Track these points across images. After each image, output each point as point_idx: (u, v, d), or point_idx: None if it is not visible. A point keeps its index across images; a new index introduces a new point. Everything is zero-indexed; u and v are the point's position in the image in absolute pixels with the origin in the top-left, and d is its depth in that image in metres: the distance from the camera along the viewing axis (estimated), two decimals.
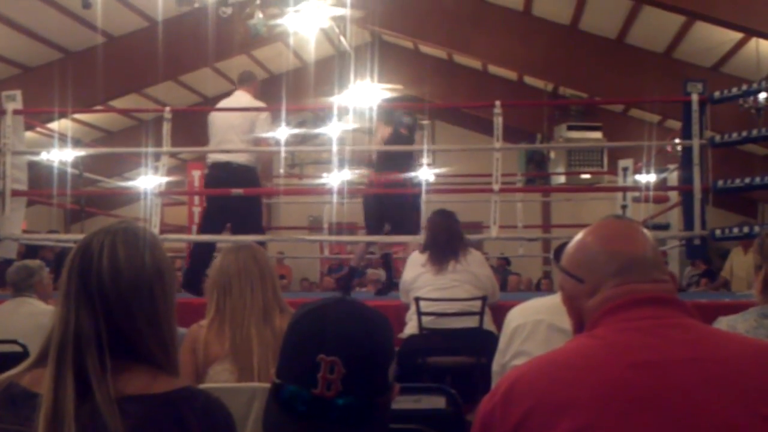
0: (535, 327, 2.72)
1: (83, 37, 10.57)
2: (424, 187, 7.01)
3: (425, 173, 7.71)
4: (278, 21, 8.28)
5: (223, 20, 8.35)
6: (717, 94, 6.15)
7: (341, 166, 7.93)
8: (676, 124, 9.92)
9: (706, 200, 5.91)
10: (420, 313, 4.40)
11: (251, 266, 2.77)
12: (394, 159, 6.73)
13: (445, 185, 11.45)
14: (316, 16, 8.36)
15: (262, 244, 6.07)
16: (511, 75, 13.38)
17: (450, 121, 15.28)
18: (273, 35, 9.59)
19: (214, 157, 6.12)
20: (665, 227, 8.47)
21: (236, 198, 5.88)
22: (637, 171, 8.86)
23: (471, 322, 4.39)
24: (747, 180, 5.94)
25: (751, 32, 8.89)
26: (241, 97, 6.28)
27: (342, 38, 11.58)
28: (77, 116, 12.36)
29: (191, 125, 8.31)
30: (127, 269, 1.41)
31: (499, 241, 6.76)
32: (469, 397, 3.15)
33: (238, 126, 5.97)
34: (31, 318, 4.19)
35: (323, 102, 12.03)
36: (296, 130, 12.10)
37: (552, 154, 13.13)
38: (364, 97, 11.16)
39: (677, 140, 6.70)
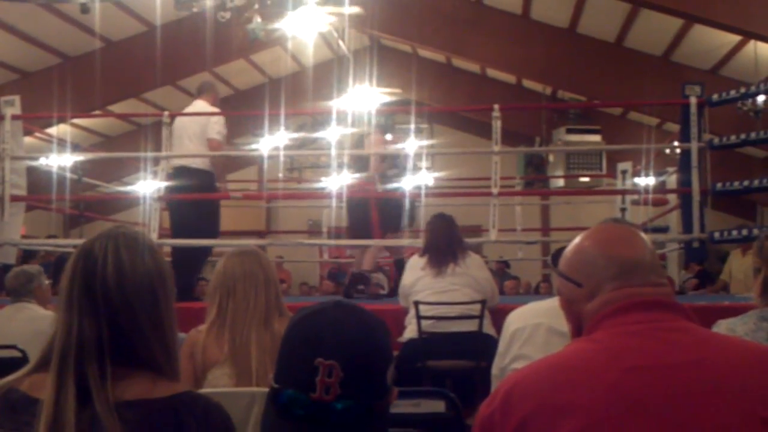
0: (534, 330, 2.73)
1: (82, 42, 10.56)
2: (423, 191, 7.02)
3: (424, 177, 7.71)
4: (277, 25, 8.26)
5: (222, 25, 8.34)
6: (715, 96, 6.16)
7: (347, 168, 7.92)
8: (674, 127, 9.91)
9: (704, 203, 5.91)
10: (419, 317, 4.40)
11: (257, 270, 2.78)
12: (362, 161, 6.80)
13: (444, 189, 11.46)
14: (315, 20, 8.36)
15: (209, 248, 6.25)
16: (509, 78, 13.37)
17: (449, 125, 15.28)
18: (271, 39, 9.58)
19: (174, 162, 6.26)
20: (664, 230, 8.46)
21: (191, 202, 6.08)
22: (636, 174, 8.86)
23: (470, 326, 4.39)
24: (746, 183, 5.95)
25: (749, 35, 8.89)
26: (198, 105, 6.43)
27: (340, 42, 11.58)
28: (76, 121, 12.35)
29: None
30: (131, 274, 1.41)
31: (498, 244, 6.76)
32: (468, 401, 3.15)
33: (192, 133, 6.15)
34: (30, 323, 4.19)
35: (322, 106, 12.03)
36: (295, 134, 12.11)
37: (551, 158, 13.12)
38: (362, 101, 11.16)
39: (676, 143, 6.70)
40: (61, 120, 10.44)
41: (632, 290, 1.38)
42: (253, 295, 2.73)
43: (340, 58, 12.46)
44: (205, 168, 6.15)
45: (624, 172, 8.97)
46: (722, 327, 2.35)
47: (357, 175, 6.70)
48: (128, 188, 11.75)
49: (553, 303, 2.50)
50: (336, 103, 11.37)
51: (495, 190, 6.02)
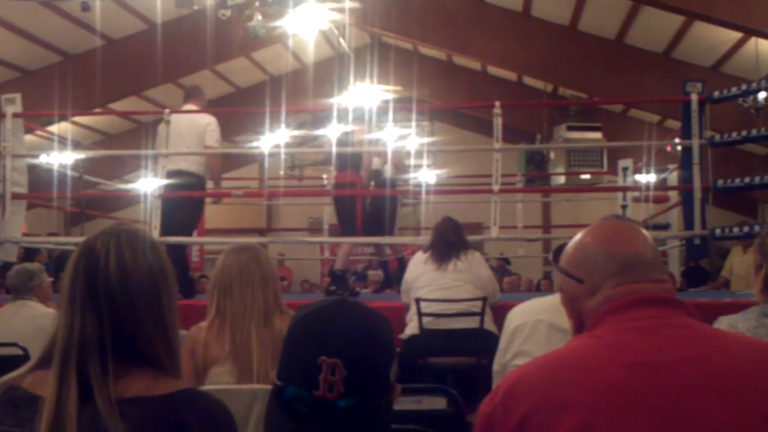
0: (535, 327, 2.73)
1: (82, 40, 10.56)
2: (424, 188, 7.04)
3: (424, 174, 7.73)
4: (277, 23, 8.26)
5: (222, 22, 8.34)
6: (716, 93, 6.15)
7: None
8: (675, 124, 9.93)
9: (705, 200, 5.91)
10: (421, 314, 4.41)
11: (253, 268, 2.77)
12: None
13: (446, 186, 11.46)
14: (316, 17, 8.35)
15: (185, 245, 6.43)
16: (510, 76, 13.37)
17: (449, 122, 15.27)
18: (272, 37, 9.58)
19: (170, 167, 6.28)
20: (665, 227, 8.46)
21: (179, 201, 6.20)
22: (637, 171, 8.85)
23: (472, 323, 4.39)
24: (747, 179, 5.94)
25: (750, 32, 8.88)
26: (192, 110, 6.49)
27: (341, 40, 11.58)
28: (77, 119, 12.36)
29: None
30: (134, 271, 1.42)
31: (499, 241, 6.76)
32: (470, 397, 3.15)
33: (188, 137, 6.23)
34: (32, 321, 4.20)
35: (323, 104, 12.03)
36: (296, 132, 12.10)
37: (552, 155, 13.12)
38: (363, 98, 11.15)
39: (677, 140, 6.70)
40: (62, 118, 10.46)
41: (633, 287, 1.38)
42: (249, 294, 2.72)
43: (341, 56, 12.45)
44: (198, 172, 6.27)
45: (625, 169, 8.96)
46: (723, 323, 2.35)
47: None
48: (129, 186, 11.75)
49: (554, 299, 2.50)
50: (337, 101, 11.35)
51: (496, 188, 6.02)
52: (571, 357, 1.33)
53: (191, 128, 6.25)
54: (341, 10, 8.30)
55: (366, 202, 6.91)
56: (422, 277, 4.62)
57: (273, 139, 10.15)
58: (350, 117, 6.93)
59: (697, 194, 5.81)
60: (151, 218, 6.22)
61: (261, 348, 2.62)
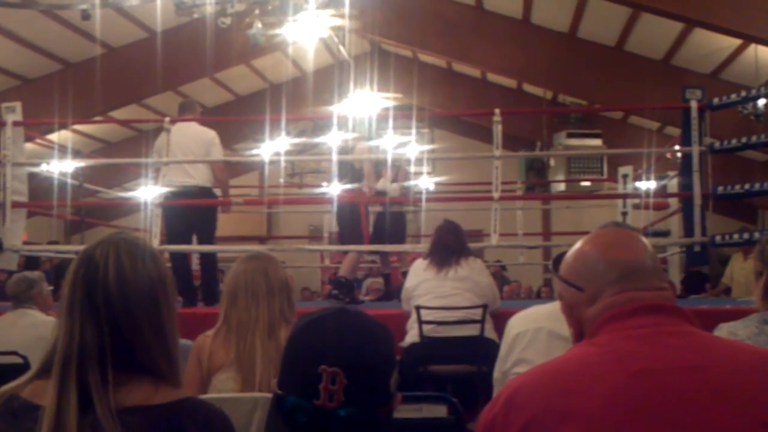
0: (535, 334, 2.73)
1: (82, 49, 10.58)
2: (424, 196, 7.06)
3: (424, 182, 7.76)
4: (277, 31, 8.27)
5: (222, 30, 8.36)
6: (716, 100, 6.16)
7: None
8: (675, 131, 9.92)
9: (706, 207, 5.91)
10: (421, 322, 4.40)
11: (259, 280, 2.76)
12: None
13: (446, 193, 11.46)
14: (315, 25, 8.36)
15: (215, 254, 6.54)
16: (510, 83, 13.38)
17: (449, 130, 15.28)
18: (272, 45, 9.58)
19: (174, 183, 6.28)
20: (665, 234, 8.47)
21: (199, 212, 6.33)
22: (637, 178, 8.87)
23: (472, 331, 4.39)
24: (747, 186, 5.95)
25: (749, 38, 8.89)
26: (193, 125, 6.50)
27: (341, 47, 11.59)
28: (77, 127, 12.36)
29: None
30: (133, 280, 1.41)
31: (499, 248, 6.76)
32: (470, 405, 3.15)
33: (196, 150, 6.29)
34: (32, 329, 4.19)
35: (323, 111, 12.03)
36: (296, 140, 12.10)
37: (552, 162, 13.12)
38: (363, 106, 11.16)
39: (677, 147, 6.70)
40: (62, 126, 10.46)
41: (633, 294, 1.38)
42: (254, 306, 2.71)
43: (341, 63, 12.46)
44: (208, 185, 6.36)
45: (625, 176, 8.98)
46: (724, 330, 2.35)
47: (349, 186, 6.72)
48: (129, 194, 11.75)
49: (554, 307, 2.50)
50: (337, 109, 11.36)
51: (496, 195, 6.02)
52: (572, 365, 1.33)
53: (197, 143, 6.29)
54: (341, 17, 8.31)
55: (369, 218, 6.96)
56: (422, 284, 4.61)
57: (273, 147, 10.16)
58: (350, 126, 6.97)
59: (697, 201, 5.81)
60: (151, 226, 6.23)
61: (265, 359, 2.62)
